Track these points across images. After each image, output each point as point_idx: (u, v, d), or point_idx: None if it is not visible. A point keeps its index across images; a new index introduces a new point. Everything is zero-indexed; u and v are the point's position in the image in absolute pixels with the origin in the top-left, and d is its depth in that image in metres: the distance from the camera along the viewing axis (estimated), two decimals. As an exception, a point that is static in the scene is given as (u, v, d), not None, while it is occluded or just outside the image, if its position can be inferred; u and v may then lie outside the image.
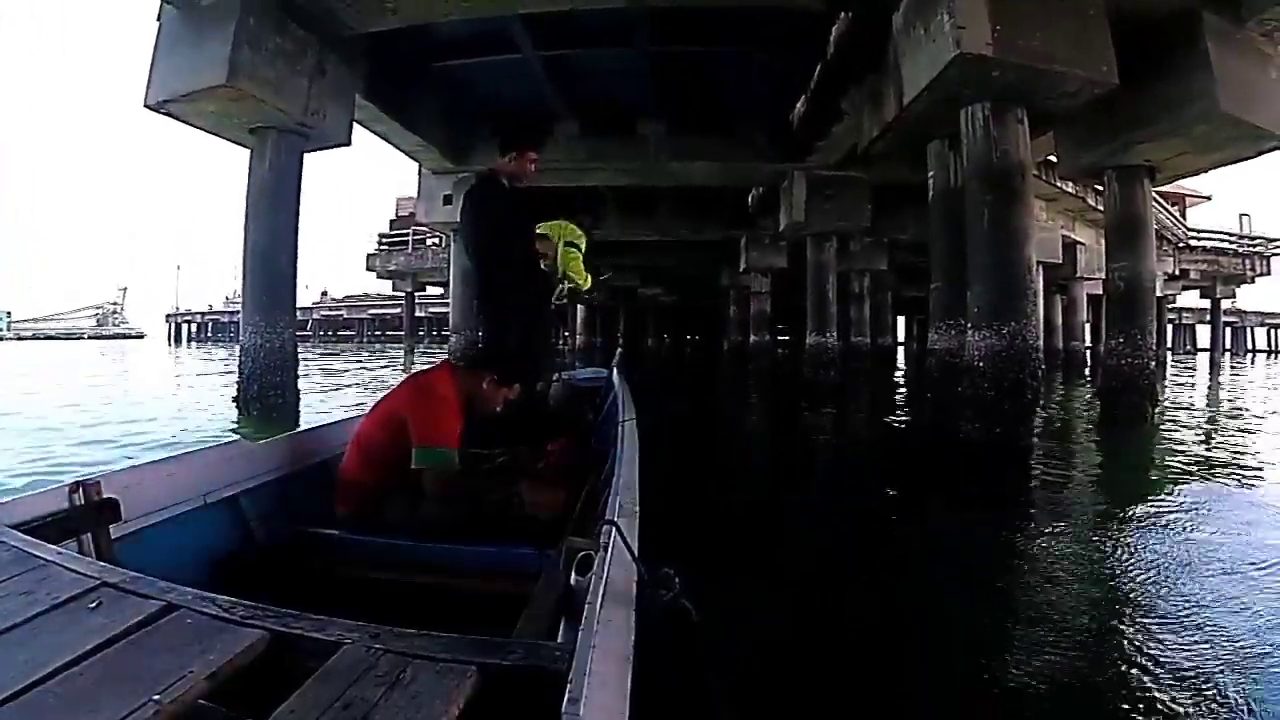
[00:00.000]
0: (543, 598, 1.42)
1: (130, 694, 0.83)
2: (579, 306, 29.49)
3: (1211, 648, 2.31)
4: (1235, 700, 1.97)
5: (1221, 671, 2.14)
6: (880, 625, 2.67)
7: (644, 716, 0.90)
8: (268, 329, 7.21)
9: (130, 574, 1.15)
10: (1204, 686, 2.06)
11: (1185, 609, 2.68)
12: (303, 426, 6.12)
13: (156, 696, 0.82)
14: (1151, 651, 2.29)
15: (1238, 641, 2.35)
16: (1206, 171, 8.12)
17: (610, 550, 1.30)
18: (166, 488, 1.83)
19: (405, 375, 2.65)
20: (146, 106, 6.95)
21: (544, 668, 0.93)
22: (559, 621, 1.30)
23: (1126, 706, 1.97)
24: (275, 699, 0.85)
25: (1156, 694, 2.03)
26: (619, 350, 5.97)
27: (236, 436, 3.78)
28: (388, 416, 2.21)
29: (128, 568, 1.21)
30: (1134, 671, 2.17)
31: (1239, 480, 5.25)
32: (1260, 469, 5.72)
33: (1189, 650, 2.30)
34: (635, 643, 1.04)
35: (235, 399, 7.32)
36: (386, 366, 18.89)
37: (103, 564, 1.28)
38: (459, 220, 3.59)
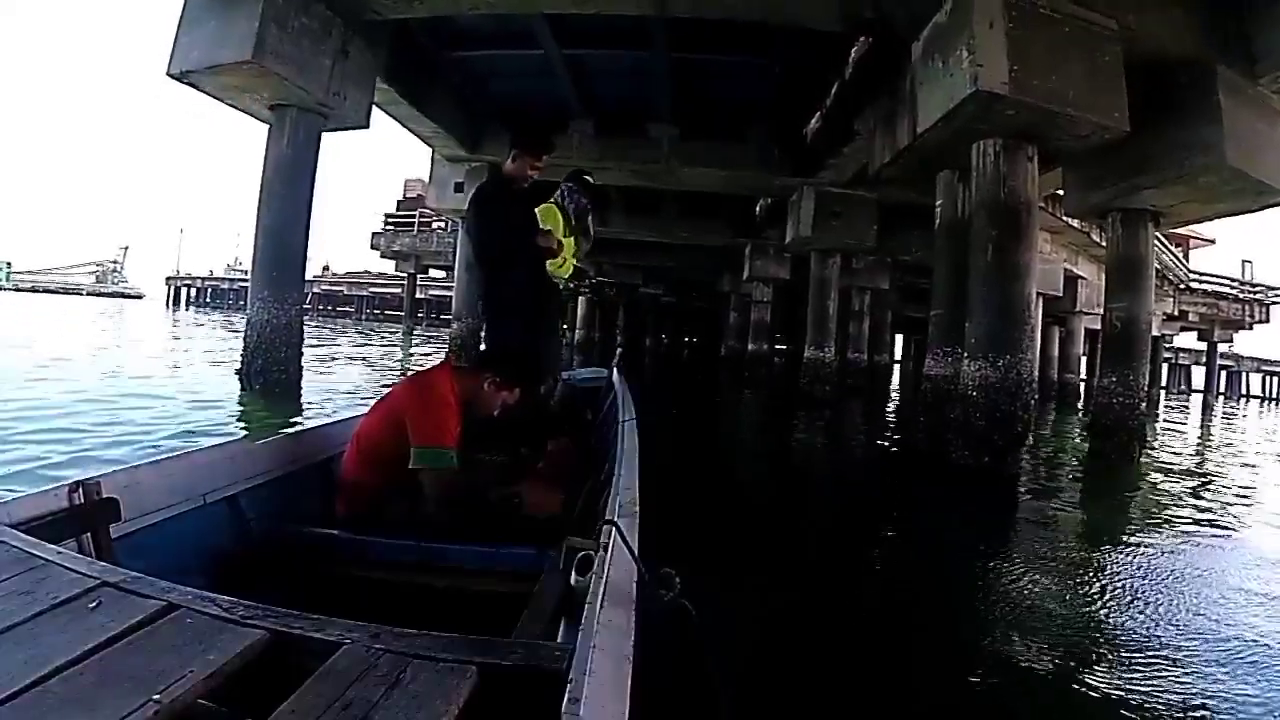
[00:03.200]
0: (543, 598, 1.44)
1: (130, 694, 0.83)
2: (578, 299, 29.45)
3: (1172, 663, 2.44)
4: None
5: (1183, 687, 2.26)
6: (872, 624, 2.80)
7: (644, 716, 0.92)
8: (275, 304, 7.25)
9: (130, 574, 1.14)
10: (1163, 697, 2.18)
11: (1145, 628, 2.83)
12: (303, 414, 6.19)
13: (156, 696, 0.82)
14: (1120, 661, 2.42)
15: (1200, 664, 2.49)
16: (1210, 220, 8.24)
17: (610, 550, 1.30)
18: (166, 487, 1.80)
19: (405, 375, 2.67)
20: (169, 75, 6.97)
21: (544, 668, 0.93)
22: (559, 621, 1.32)
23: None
24: (275, 699, 0.85)
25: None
26: (619, 350, 6.02)
27: (236, 435, 3.80)
28: (388, 415, 2.19)
29: (128, 568, 1.20)
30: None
31: (1214, 520, 5.38)
32: (1237, 511, 5.84)
33: (1149, 662, 2.44)
34: (635, 643, 1.05)
35: (238, 372, 7.36)
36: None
37: (103, 564, 1.27)
38: (466, 216, 3.59)
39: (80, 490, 1.51)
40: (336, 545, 1.95)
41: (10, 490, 1.56)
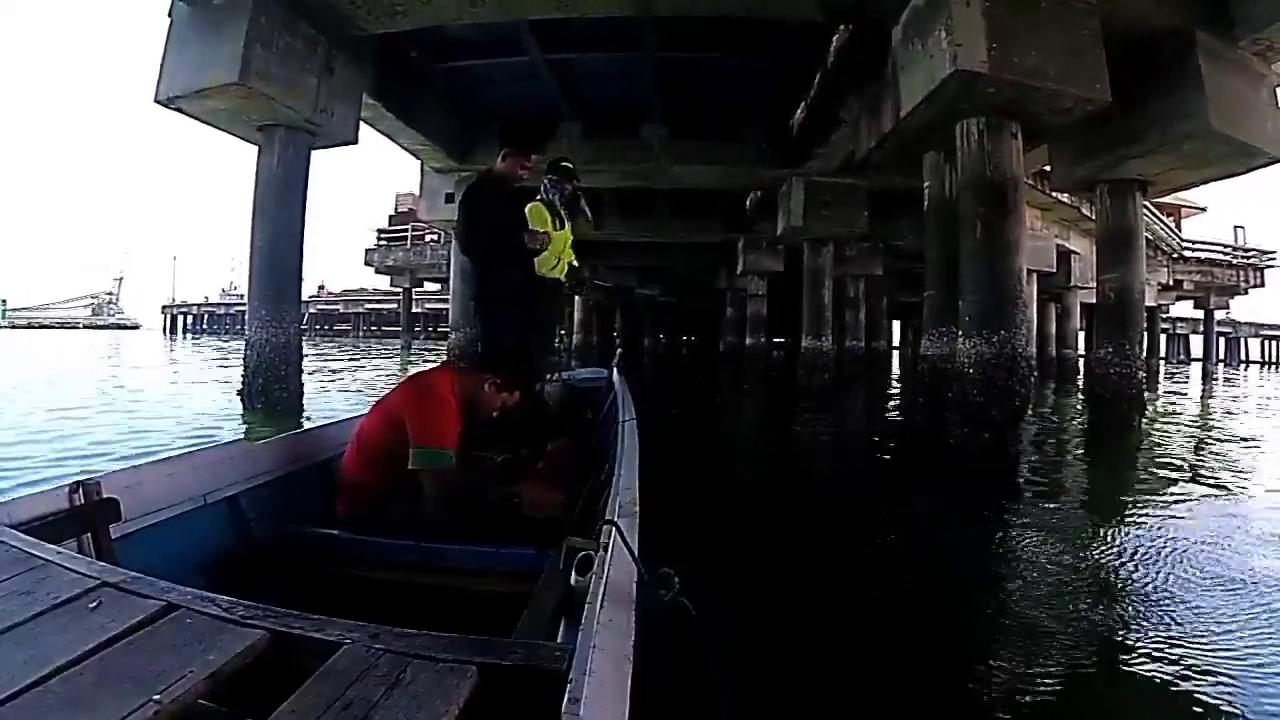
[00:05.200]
0: (543, 598, 1.44)
1: (130, 694, 0.83)
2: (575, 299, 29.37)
3: (1177, 641, 2.43)
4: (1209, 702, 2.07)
5: (1191, 671, 2.24)
6: (873, 622, 2.79)
7: (644, 716, 0.92)
8: (273, 323, 7.29)
9: (130, 574, 1.14)
10: (1165, 680, 2.17)
11: (1148, 599, 2.84)
12: (304, 424, 6.23)
13: (156, 696, 0.83)
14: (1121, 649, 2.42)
15: (1210, 643, 2.47)
16: (1198, 186, 8.25)
17: (610, 550, 1.30)
18: (167, 487, 1.82)
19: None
20: (156, 101, 6.98)
21: (544, 668, 0.93)
22: (559, 621, 1.31)
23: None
24: (275, 699, 0.85)
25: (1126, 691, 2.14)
26: (619, 351, 6.04)
27: (237, 436, 3.79)
28: (388, 416, 2.21)
29: (128, 568, 1.21)
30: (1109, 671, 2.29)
31: (1217, 487, 5.41)
32: (1239, 478, 5.86)
33: (1154, 644, 2.43)
34: (635, 643, 1.06)
35: (239, 392, 7.41)
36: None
37: (103, 564, 1.27)
38: (456, 214, 3.60)
39: (80, 490, 1.53)
40: (336, 545, 1.97)
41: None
